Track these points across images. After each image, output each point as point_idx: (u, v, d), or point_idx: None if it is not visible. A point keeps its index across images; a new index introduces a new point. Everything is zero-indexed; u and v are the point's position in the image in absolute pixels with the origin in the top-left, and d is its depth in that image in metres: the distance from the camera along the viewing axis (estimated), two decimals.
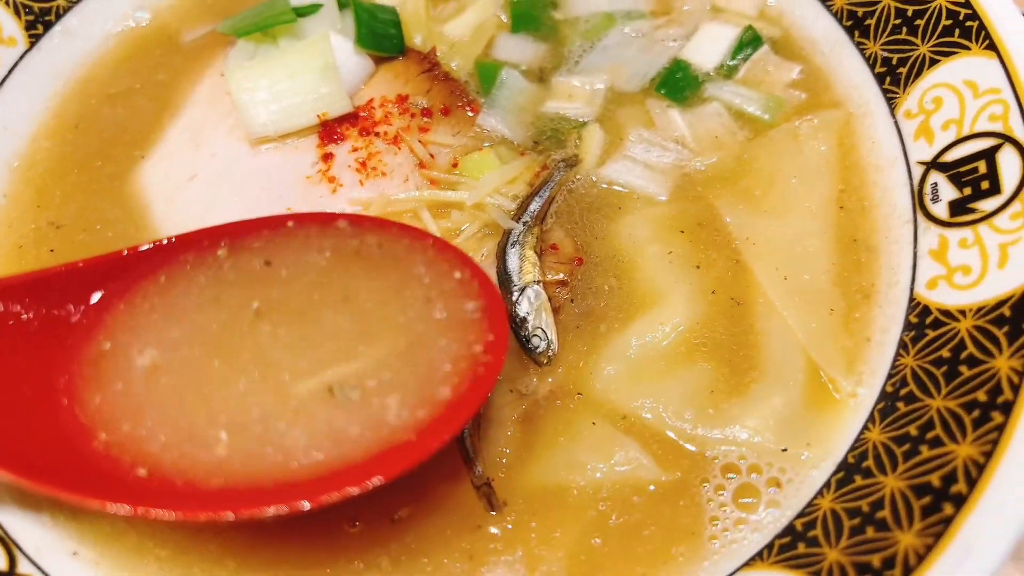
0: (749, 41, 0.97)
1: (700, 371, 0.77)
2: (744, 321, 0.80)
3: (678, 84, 0.95)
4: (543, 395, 0.77)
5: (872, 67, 0.94)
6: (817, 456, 0.73)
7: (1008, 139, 0.78)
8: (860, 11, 0.96)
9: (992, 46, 0.83)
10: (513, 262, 0.82)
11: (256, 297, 0.70)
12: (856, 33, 0.96)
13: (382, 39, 0.96)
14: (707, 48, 0.98)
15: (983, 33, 0.84)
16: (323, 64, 0.90)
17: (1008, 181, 0.77)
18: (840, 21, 0.97)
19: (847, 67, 0.96)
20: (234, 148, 0.92)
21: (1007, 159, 0.77)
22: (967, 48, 0.85)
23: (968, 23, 0.85)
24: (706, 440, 0.74)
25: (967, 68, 0.85)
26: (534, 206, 0.86)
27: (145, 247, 0.73)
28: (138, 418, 0.67)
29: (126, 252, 0.73)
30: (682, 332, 0.79)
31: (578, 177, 0.90)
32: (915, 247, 0.82)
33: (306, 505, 0.60)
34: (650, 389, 0.76)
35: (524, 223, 0.84)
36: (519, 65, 0.99)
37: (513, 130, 0.94)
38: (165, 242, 0.73)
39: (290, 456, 0.64)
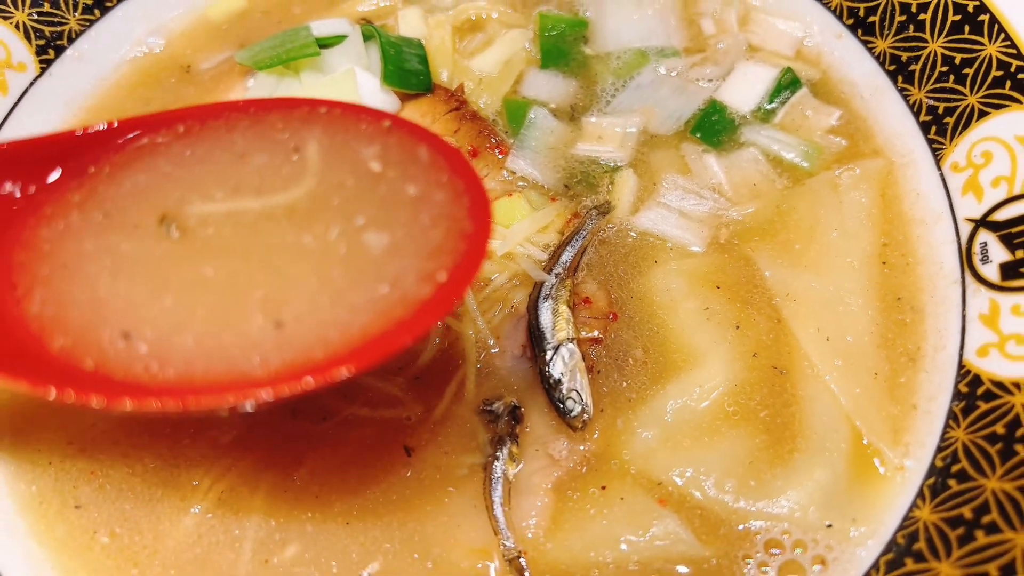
0: (788, 84, 0.94)
1: (740, 439, 0.74)
2: (785, 386, 0.77)
3: (714, 127, 0.92)
4: (577, 461, 0.74)
5: (916, 115, 0.91)
6: (864, 534, 0.70)
7: None
8: (904, 55, 0.93)
9: None
10: (546, 318, 0.78)
11: (222, 183, 0.63)
12: (900, 78, 0.93)
13: (409, 76, 0.92)
14: (743, 90, 0.95)
15: None
16: (350, 99, 0.87)
17: None
18: (883, 65, 0.94)
19: (889, 114, 0.92)
20: None
21: None
22: (1019, 102, 0.82)
23: (1020, 75, 0.82)
24: (748, 513, 0.71)
25: (1019, 122, 0.81)
26: (566, 256, 0.83)
27: (100, 127, 0.66)
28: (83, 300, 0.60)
29: (79, 132, 0.65)
30: (721, 396, 0.75)
31: (611, 225, 0.87)
32: (964, 310, 0.79)
33: (265, 395, 0.54)
34: (688, 457, 0.73)
35: (556, 275, 0.81)
36: (548, 103, 0.95)
37: (543, 173, 0.90)
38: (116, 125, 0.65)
39: (253, 349, 0.57)
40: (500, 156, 0.91)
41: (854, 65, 0.96)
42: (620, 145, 0.92)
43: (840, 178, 0.88)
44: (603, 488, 0.72)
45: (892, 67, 0.94)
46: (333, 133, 0.64)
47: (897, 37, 0.93)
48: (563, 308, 0.79)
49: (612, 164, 0.91)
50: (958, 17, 0.88)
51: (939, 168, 0.87)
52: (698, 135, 0.92)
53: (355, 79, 0.88)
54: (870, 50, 0.96)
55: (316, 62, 0.93)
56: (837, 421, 0.75)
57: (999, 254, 0.78)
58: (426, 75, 0.94)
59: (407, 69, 0.92)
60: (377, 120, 0.64)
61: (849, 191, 0.87)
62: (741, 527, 0.71)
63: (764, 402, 0.76)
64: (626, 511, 0.71)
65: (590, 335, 0.79)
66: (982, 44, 0.86)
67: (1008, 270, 0.77)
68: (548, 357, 0.76)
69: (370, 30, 0.96)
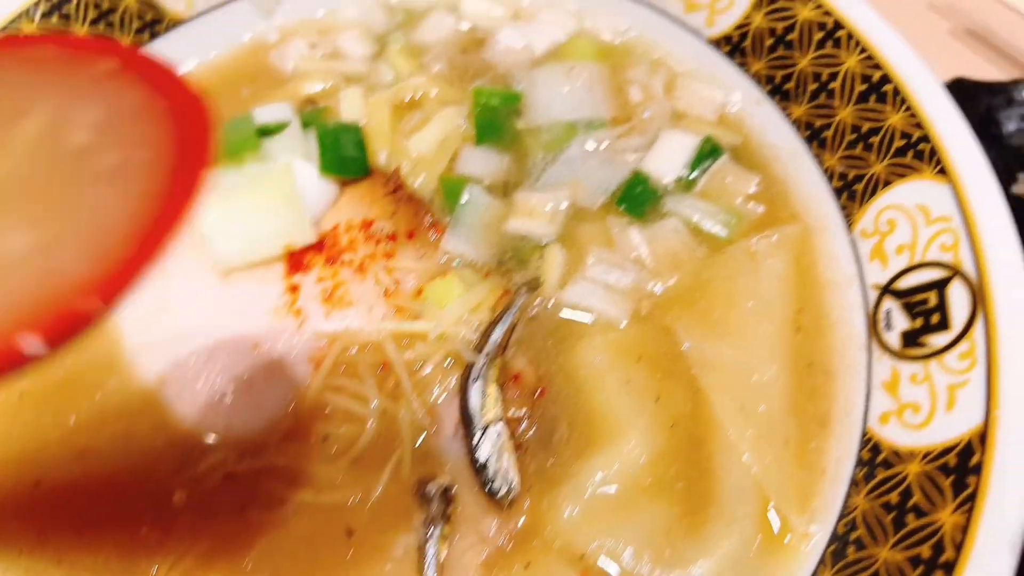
0: (708, 152, 0.98)
1: (657, 510, 0.78)
2: (701, 456, 0.81)
3: (638, 199, 0.96)
4: (505, 539, 0.79)
5: (829, 180, 0.95)
6: None
7: (957, 272, 0.79)
8: (817, 122, 0.97)
9: (943, 171, 0.84)
10: (475, 399, 0.83)
11: None
12: (814, 144, 0.97)
13: (346, 163, 0.97)
14: (667, 159, 0.99)
15: (935, 157, 0.85)
16: (287, 195, 0.91)
17: (957, 317, 0.78)
18: (798, 131, 0.98)
19: (805, 178, 0.97)
20: (203, 278, 0.93)
21: (956, 293, 0.79)
22: (919, 171, 0.86)
23: (921, 145, 0.86)
24: None
25: (920, 192, 0.86)
26: (496, 335, 0.88)
27: None
28: None
29: None
30: (640, 469, 0.80)
31: (539, 300, 0.92)
32: (869, 376, 0.84)
33: None
34: (609, 530, 0.78)
35: (487, 355, 0.86)
36: (483, 179, 1.00)
37: (477, 250, 0.95)
38: None
39: None
40: (436, 237, 0.96)
41: (773, 130, 1.01)
42: (549, 221, 0.96)
43: (758, 246, 0.92)
44: (527, 565, 0.77)
45: (807, 133, 0.98)
46: (59, 91, 0.56)
47: (811, 104, 0.97)
48: (492, 388, 0.84)
49: (542, 240, 0.96)
50: (864, 86, 0.92)
51: (850, 233, 0.91)
52: (623, 207, 0.97)
53: (292, 173, 0.92)
54: (787, 116, 1.00)
55: (258, 151, 0.99)
56: (748, 490, 0.79)
57: (901, 322, 0.83)
58: (363, 160, 0.99)
59: (344, 156, 0.97)
60: (96, 60, 0.57)
61: (765, 258, 0.92)
62: None
63: (681, 473, 0.81)
64: None
65: (518, 414, 0.84)
66: (886, 113, 0.90)
67: (908, 338, 0.81)
68: (476, 440, 0.81)
69: (309, 118, 1.01)
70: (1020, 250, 0.77)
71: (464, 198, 0.97)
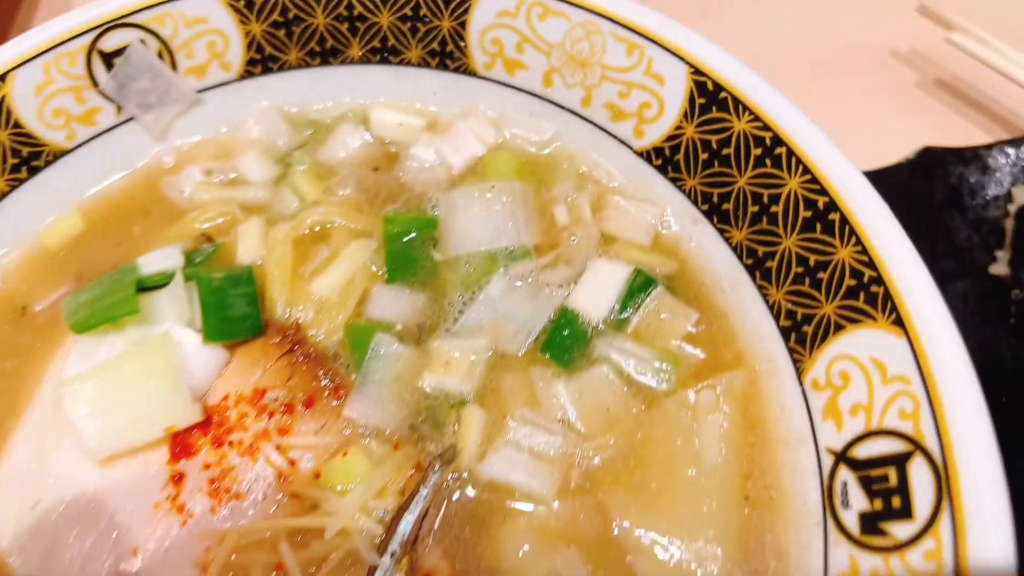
0: (640, 286, 0.88)
1: None
2: None
3: (564, 343, 0.86)
4: None
5: (776, 318, 0.84)
6: None
7: (919, 447, 0.68)
8: (760, 250, 0.86)
9: (900, 322, 0.73)
10: None
11: None
12: (757, 274, 0.86)
13: (234, 325, 0.86)
14: (596, 293, 0.88)
15: (890, 303, 0.74)
16: (165, 372, 0.81)
17: (921, 504, 0.67)
18: (740, 258, 0.88)
19: (750, 312, 0.86)
20: (79, 467, 0.82)
21: (919, 473, 0.68)
22: (873, 318, 0.75)
23: (873, 288, 0.76)
24: None
25: (874, 343, 0.74)
26: (404, 525, 0.77)
27: None
28: None
29: None
30: None
31: (454, 475, 0.81)
32: (825, 561, 0.73)
33: None
34: None
35: (392, 554, 0.76)
36: (395, 324, 0.89)
37: (386, 413, 0.84)
38: None
39: None
40: (338, 403, 0.85)
41: (713, 253, 0.90)
42: (467, 375, 0.85)
43: (698, 400, 0.81)
44: None
45: (749, 261, 0.87)
46: None
47: (752, 229, 0.87)
48: None
49: (460, 396, 0.86)
50: (809, 213, 0.81)
51: (800, 383, 0.81)
52: (548, 355, 0.86)
53: (171, 345, 0.82)
54: (727, 240, 0.89)
55: (138, 312, 0.88)
56: None
57: (859, 500, 0.72)
58: (255, 318, 0.88)
59: (231, 317, 0.86)
60: None
61: (707, 414, 0.81)
62: None
63: None
64: None
65: None
66: (835, 247, 0.79)
67: (866, 522, 0.71)
68: None
69: (194, 269, 0.91)
70: (991, 427, 0.66)
71: (373, 350, 0.87)
